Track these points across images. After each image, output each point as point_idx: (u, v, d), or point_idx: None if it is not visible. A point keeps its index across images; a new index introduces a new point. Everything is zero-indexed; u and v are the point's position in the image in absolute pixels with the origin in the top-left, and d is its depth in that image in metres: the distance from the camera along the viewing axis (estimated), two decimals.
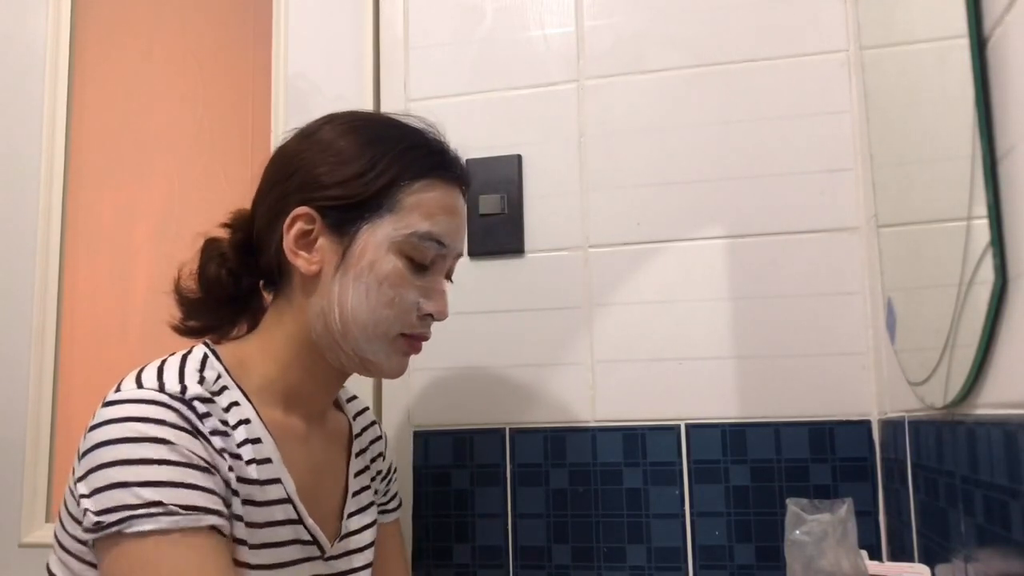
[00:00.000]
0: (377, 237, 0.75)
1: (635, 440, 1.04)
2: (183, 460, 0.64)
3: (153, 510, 0.62)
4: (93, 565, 0.67)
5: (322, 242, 0.76)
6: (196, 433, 0.66)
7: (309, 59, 1.23)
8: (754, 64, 1.06)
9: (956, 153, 0.58)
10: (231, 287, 0.81)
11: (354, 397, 0.95)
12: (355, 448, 0.88)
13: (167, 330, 1.26)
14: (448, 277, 0.83)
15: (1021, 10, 0.49)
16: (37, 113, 1.32)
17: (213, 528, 0.64)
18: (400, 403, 1.11)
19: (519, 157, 1.11)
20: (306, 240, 0.76)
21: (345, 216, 0.76)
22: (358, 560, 0.83)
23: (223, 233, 0.83)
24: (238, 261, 0.81)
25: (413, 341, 0.80)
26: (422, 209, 0.77)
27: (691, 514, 1.01)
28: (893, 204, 0.86)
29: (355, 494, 0.85)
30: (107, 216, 1.31)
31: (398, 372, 0.81)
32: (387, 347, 0.78)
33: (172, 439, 0.64)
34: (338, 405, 0.90)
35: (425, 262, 0.78)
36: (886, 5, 0.85)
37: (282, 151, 0.81)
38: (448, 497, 1.08)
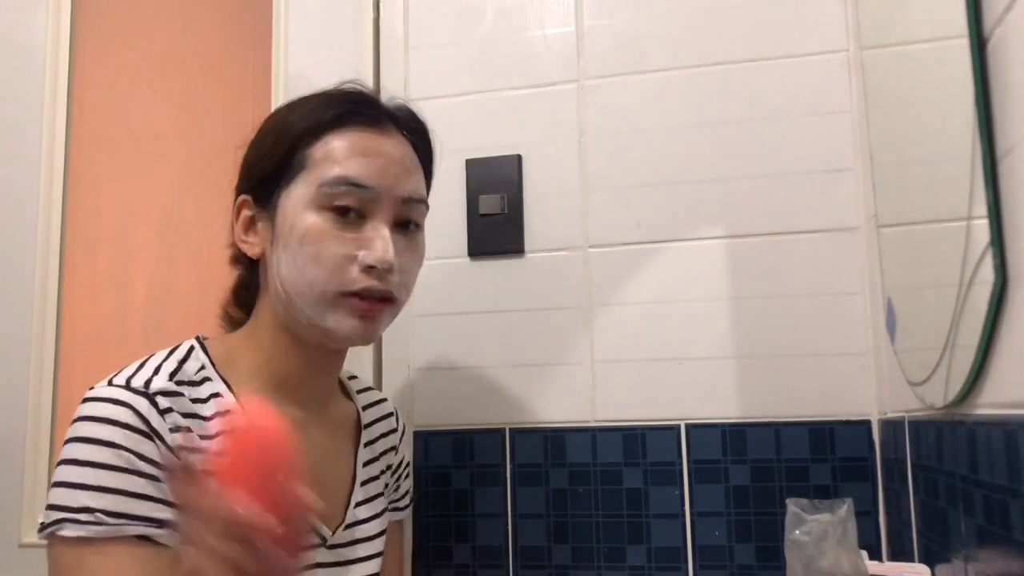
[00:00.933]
0: (292, 199, 0.74)
1: (635, 440, 1.04)
2: (125, 465, 0.64)
3: (81, 516, 0.63)
4: None
5: (260, 224, 0.78)
6: (150, 434, 0.66)
7: (309, 59, 1.23)
8: (754, 64, 1.06)
9: (956, 153, 0.58)
10: (248, 301, 0.83)
11: (368, 388, 0.94)
12: (364, 438, 0.88)
13: (167, 330, 1.26)
14: (402, 225, 0.77)
15: (1021, 10, 0.49)
16: (37, 113, 1.32)
17: (142, 537, 0.64)
18: (400, 403, 1.11)
19: (519, 157, 1.11)
20: (252, 227, 0.78)
21: (266, 190, 0.76)
22: (364, 549, 0.83)
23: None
24: (244, 274, 0.84)
25: (359, 300, 0.73)
26: (331, 158, 0.74)
27: (691, 514, 1.01)
28: (893, 204, 0.86)
29: (363, 483, 0.85)
30: (107, 216, 1.31)
31: (357, 337, 0.75)
32: (331, 309, 0.73)
33: (120, 441, 0.65)
34: (347, 394, 0.90)
35: (348, 209, 0.73)
36: (886, 5, 0.85)
37: None
38: (448, 497, 1.08)
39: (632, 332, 1.06)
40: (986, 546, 0.58)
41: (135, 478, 0.64)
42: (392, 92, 0.84)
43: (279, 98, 1.24)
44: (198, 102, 1.31)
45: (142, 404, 0.67)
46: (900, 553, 0.89)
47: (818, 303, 1.01)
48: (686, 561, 1.01)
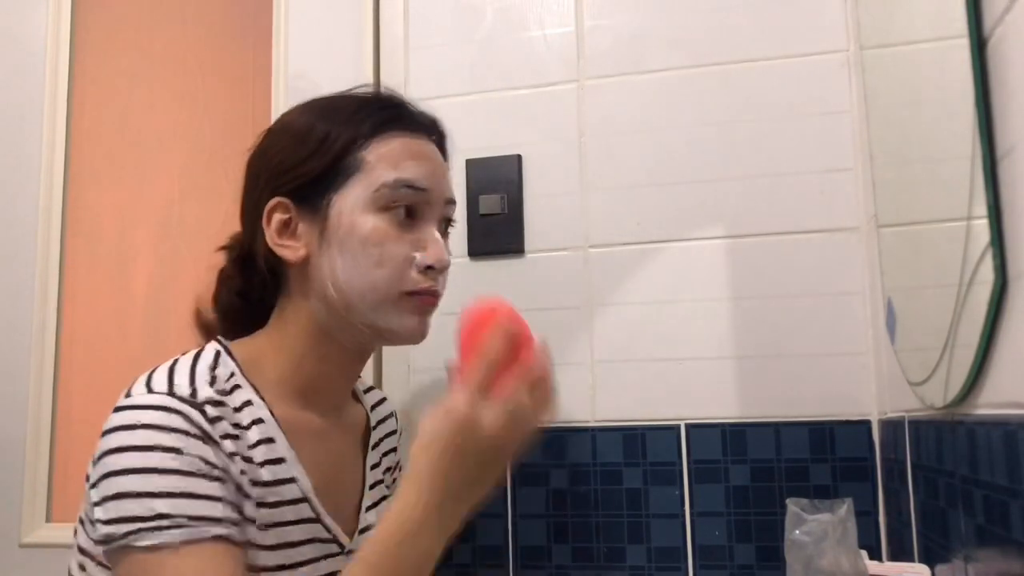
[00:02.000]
0: (349, 202, 0.74)
1: (635, 440, 1.04)
2: (191, 469, 0.63)
3: (161, 523, 0.61)
4: (108, 567, 0.67)
5: (301, 227, 0.76)
6: (207, 438, 0.65)
7: (309, 59, 1.24)
8: (754, 64, 1.06)
9: (956, 153, 0.58)
10: (242, 307, 0.82)
11: (372, 388, 0.94)
12: (371, 440, 0.88)
13: (167, 330, 1.26)
14: (443, 228, 0.80)
15: (1021, 10, 0.49)
16: (37, 113, 1.32)
17: (220, 538, 0.63)
18: (400, 403, 1.10)
19: (519, 157, 1.11)
20: (287, 230, 0.77)
21: (313, 192, 0.76)
22: None
23: (223, 257, 0.84)
24: (242, 280, 0.82)
25: (421, 297, 0.76)
26: (386, 161, 0.75)
27: (691, 514, 1.01)
28: (893, 204, 0.86)
29: (371, 487, 0.85)
30: (107, 216, 1.31)
31: (417, 334, 0.78)
32: (394, 309, 0.75)
33: (181, 447, 0.64)
34: (356, 396, 0.90)
35: (404, 211, 0.75)
36: (886, 5, 0.85)
37: (248, 159, 0.81)
38: None
39: (632, 332, 1.06)
40: (986, 546, 0.58)
41: (204, 481, 0.64)
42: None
43: (279, 98, 1.24)
44: (198, 102, 1.31)
45: (194, 413, 0.65)
46: (900, 553, 0.89)
47: (818, 303, 1.01)
48: (686, 561, 1.01)
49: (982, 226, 0.54)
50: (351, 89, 0.82)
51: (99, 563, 0.68)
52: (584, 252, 1.09)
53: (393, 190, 0.74)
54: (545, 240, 1.10)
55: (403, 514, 0.63)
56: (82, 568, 0.70)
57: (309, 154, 0.76)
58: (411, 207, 0.76)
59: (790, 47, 1.05)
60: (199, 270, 1.26)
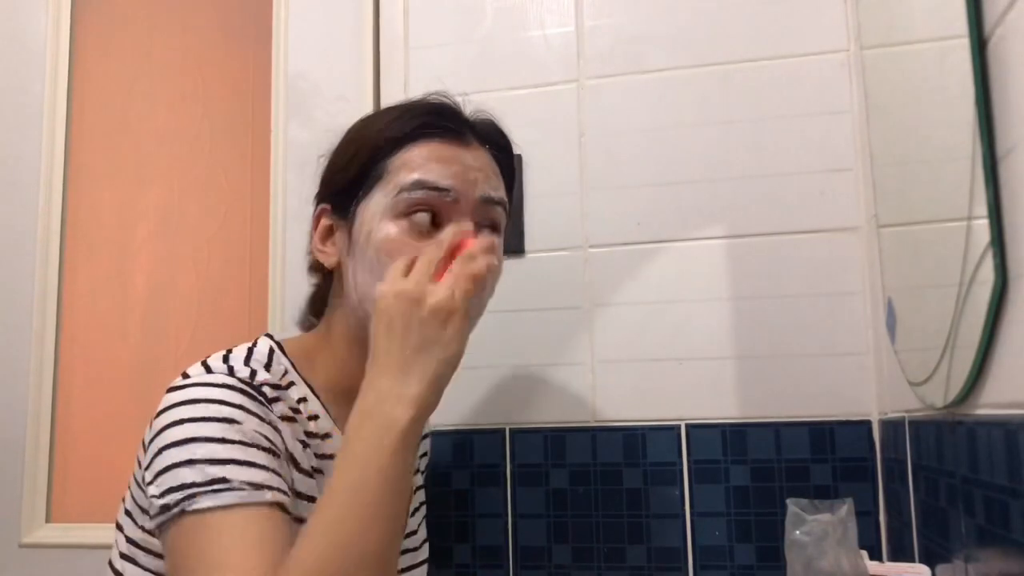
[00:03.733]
0: (371, 209, 0.74)
1: (635, 440, 1.04)
2: (247, 440, 0.63)
3: (218, 486, 0.61)
4: (162, 557, 0.67)
5: (338, 234, 0.77)
6: (263, 416, 0.65)
7: (309, 59, 1.23)
8: (754, 64, 1.06)
9: (956, 153, 0.58)
10: (318, 299, 0.84)
11: None
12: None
13: (167, 330, 1.26)
14: (483, 227, 0.75)
15: (1021, 10, 0.49)
16: (37, 113, 1.32)
17: (275, 504, 0.63)
18: None
19: (519, 157, 1.11)
20: (329, 236, 0.78)
21: (344, 200, 0.76)
22: (411, 559, 0.84)
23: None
24: (318, 275, 0.84)
25: None
26: (407, 166, 0.73)
27: (691, 514, 1.01)
28: (893, 204, 0.86)
29: (415, 491, 0.86)
30: (107, 216, 1.31)
31: None
32: None
33: (238, 419, 0.64)
34: None
35: (426, 216, 0.72)
36: (886, 5, 0.85)
37: None
38: (448, 497, 1.08)
39: (632, 332, 1.06)
40: (986, 546, 0.58)
41: (260, 452, 0.64)
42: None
43: (279, 98, 1.24)
44: (198, 102, 1.31)
45: (252, 392, 0.66)
46: (900, 553, 0.89)
47: (818, 303, 1.01)
48: (686, 561, 1.01)
49: (982, 226, 0.54)
50: (422, 96, 0.79)
51: (152, 552, 0.68)
52: (584, 252, 1.09)
53: (411, 191, 0.72)
54: (545, 240, 1.10)
55: (363, 401, 0.64)
56: (132, 561, 0.70)
57: (346, 162, 0.76)
58: (436, 212, 0.72)
59: (790, 47, 1.05)
60: (199, 270, 1.27)
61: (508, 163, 0.82)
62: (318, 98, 1.22)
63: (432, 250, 0.68)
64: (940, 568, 0.72)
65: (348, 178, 0.75)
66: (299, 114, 1.23)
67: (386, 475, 0.60)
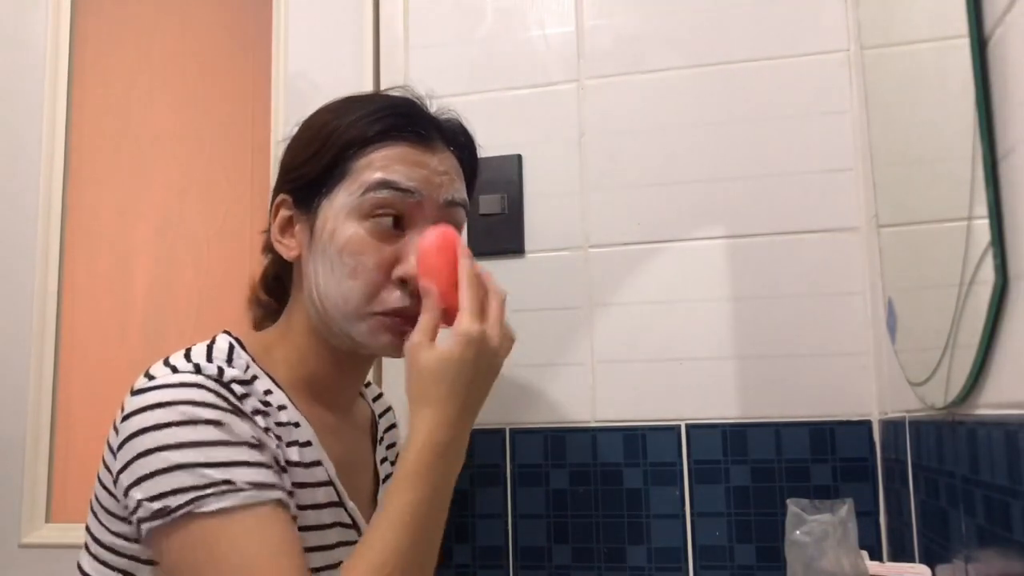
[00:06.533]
0: (335, 207, 0.73)
1: (635, 440, 1.04)
2: (237, 439, 0.63)
3: (223, 488, 0.60)
4: (132, 558, 0.66)
5: (298, 227, 0.77)
6: (240, 413, 0.65)
7: (309, 59, 1.23)
8: (754, 64, 1.06)
9: (956, 153, 0.58)
10: (277, 294, 0.85)
11: (369, 383, 0.94)
12: (378, 435, 0.89)
13: (167, 330, 1.26)
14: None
15: (1021, 10, 0.49)
16: (37, 113, 1.32)
17: (279, 502, 0.63)
18: (399, 403, 1.10)
19: (519, 157, 1.11)
20: (289, 227, 0.77)
21: (308, 194, 0.75)
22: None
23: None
24: (273, 267, 0.84)
25: (391, 319, 0.73)
26: (373, 166, 0.73)
27: (691, 514, 1.01)
28: (893, 204, 0.86)
29: (383, 481, 0.86)
30: (107, 216, 1.31)
31: (392, 352, 0.74)
32: (365, 325, 0.73)
33: (222, 420, 0.63)
34: (361, 393, 0.90)
35: (390, 217, 0.72)
36: (886, 5, 0.85)
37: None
38: None
39: (632, 332, 1.06)
40: (986, 546, 0.58)
41: (252, 450, 0.63)
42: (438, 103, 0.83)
43: (279, 98, 1.24)
44: (198, 102, 1.31)
45: (223, 390, 0.65)
46: (900, 553, 0.89)
47: (818, 303, 1.01)
48: (686, 561, 1.01)
49: (983, 226, 0.54)
50: (384, 90, 0.80)
51: (120, 553, 0.67)
52: (584, 252, 1.09)
53: (376, 191, 0.72)
54: (545, 240, 1.10)
55: (432, 436, 0.66)
56: (100, 562, 0.69)
57: (310, 156, 0.76)
58: (399, 214, 0.73)
59: (790, 47, 1.05)
60: (199, 270, 1.27)
61: (471, 163, 0.83)
62: (318, 98, 1.20)
63: (474, 284, 0.71)
64: (940, 568, 0.72)
65: (311, 174, 0.75)
66: (299, 114, 1.21)
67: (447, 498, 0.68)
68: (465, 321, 0.67)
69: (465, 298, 0.68)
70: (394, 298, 0.72)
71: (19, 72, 1.34)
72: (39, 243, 1.29)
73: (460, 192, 0.78)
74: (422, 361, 0.67)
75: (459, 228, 0.78)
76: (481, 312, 0.69)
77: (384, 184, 0.72)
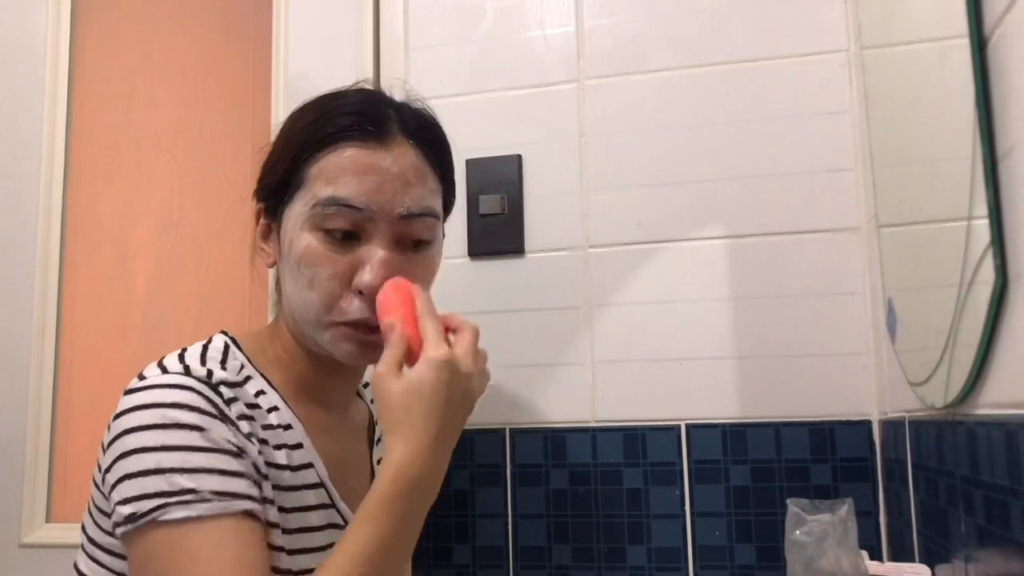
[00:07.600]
0: (292, 217, 0.73)
1: (635, 440, 1.04)
2: (214, 446, 0.63)
3: (187, 497, 0.60)
4: (123, 557, 0.66)
5: (272, 234, 0.77)
6: (224, 418, 0.65)
7: (309, 59, 1.23)
8: (754, 64, 1.06)
9: (956, 153, 0.58)
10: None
11: (367, 383, 0.94)
12: (375, 435, 0.88)
13: (167, 330, 1.26)
14: (404, 243, 0.74)
15: (1021, 10, 0.49)
16: (37, 113, 1.32)
17: (247, 513, 0.63)
18: None
19: (519, 157, 1.11)
20: (268, 235, 0.78)
21: (273, 203, 0.76)
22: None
23: None
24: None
25: (352, 329, 0.72)
26: (324, 176, 0.71)
27: (691, 514, 1.01)
28: (893, 204, 0.86)
29: None
30: (107, 216, 1.31)
31: (358, 360, 0.75)
32: (327, 334, 0.72)
33: (202, 424, 0.63)
34: (359, 394, 0.90)
35: (343, 231, 0.71)
36: (886, 5, 0.85)
37: None
38: (448, 497, 1.08)
39: (632, 332, 1.06)
40: (986, 546, 0.58)
41: (227, 457, 0.63)
42: (409, 91, 0.81)
43: (279, 98, 1.24)
44: (198, 102, 1.31)
45: (210, 393, 0.65)
46: (900, 553, 0.89)
47: (818, 303, 1.01)
48: (686, 561, 1.01)
49: (982, 226, 0.54)
50: (344, 87, 0.78)
51: (113, 553, 0.68)
52: (584, 252, 1.09)
53: (325, 208, 0.70)
54: (545, 240, 1.10)
55: (402, 469, 0.64)
56: (96, 562, 0.69)
57: (273, 163, 0.76)
58: (352, 227, 0.71)
59: (790, 47, 1.05)
60: (199, 270, 1.27)
61: (440, 156, 0.78)
62: None
63: (434, 314, 0.70)
64: (940, 568, 0.72)
65: (274, 181, 0.75)
66: None
67: (415, 531, 0.67)
68: (430, 348, 0.66)
69: (427, 328, 0.67)
70: (354, 308, 0.71)
71: (19, 73, 1.34)
72: (39, 243, 1.29)
73: (421, 200, 0.74)
74: (389, 390, 0.65)
75: (426, 241, 0.75)
76: (446, 341, 0.68)
77: (333, 201, 0.70)
